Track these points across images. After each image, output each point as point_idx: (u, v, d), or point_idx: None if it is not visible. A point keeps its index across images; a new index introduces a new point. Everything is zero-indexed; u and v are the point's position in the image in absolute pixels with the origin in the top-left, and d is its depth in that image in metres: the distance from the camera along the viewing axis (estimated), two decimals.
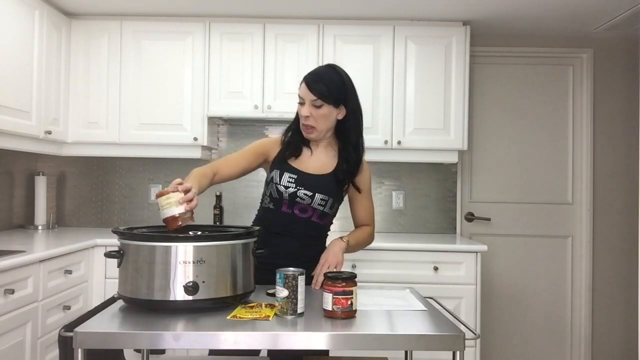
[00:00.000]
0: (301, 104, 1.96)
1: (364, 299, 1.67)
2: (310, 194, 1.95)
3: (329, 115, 1.95)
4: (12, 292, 2.15)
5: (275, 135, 2.15)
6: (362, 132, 2.10)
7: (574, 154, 3.67)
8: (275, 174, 1.98)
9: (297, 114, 2.02)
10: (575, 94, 3.68)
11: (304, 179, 1.97)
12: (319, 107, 1.92)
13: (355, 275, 1.51)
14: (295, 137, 2.03)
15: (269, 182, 2.02)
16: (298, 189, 1.94)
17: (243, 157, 2.05)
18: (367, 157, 3.24)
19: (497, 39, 3.64)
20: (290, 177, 1.96)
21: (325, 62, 3.23)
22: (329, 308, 1.47)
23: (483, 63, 3.66)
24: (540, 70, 3.68)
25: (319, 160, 2.03)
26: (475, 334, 1.49)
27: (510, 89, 3.67)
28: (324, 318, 1.48)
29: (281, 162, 2.00)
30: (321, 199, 1.96)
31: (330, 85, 1.93)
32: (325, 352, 1.94)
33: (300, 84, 1.97)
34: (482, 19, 3.28)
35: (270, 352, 1.88)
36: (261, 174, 3.58)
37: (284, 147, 2.03)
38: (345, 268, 2.91)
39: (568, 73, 3.68)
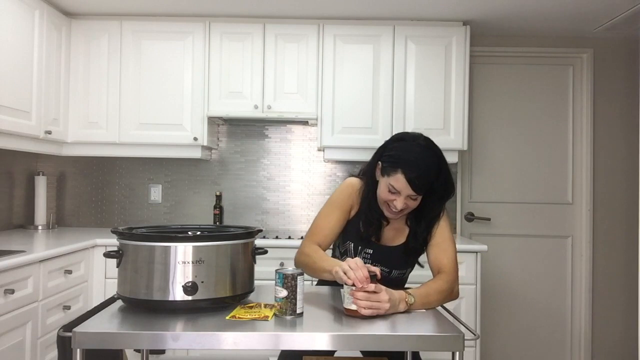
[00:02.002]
0: (393, 192, 1.75)
1: None
2: (387, 270, 1.86)
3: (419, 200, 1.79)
4: (12, 292, 2.15)
5: (346, 175, 1.86)
6: (444, 207, 1.89)
7: (574, 154, 3.67)
8: (350, 246, 1.88)
9: (377, 190, 1.84)
10: (575, 94, 3.67)
11: (380, 254, 1.86)
12: (414, 199, 1.76)
13: (375, 275, 1.51)
14: (374, 213, 1.85)
15: (343, 251, 1.91)
16: (374, 264, 1.77)
17: (337, 221, 1.88)
18: (367, 157, 3.26)
19: (497, 39, 3.64)
20: (366, 253, 1.87)
21: (325, 62, 3.24)
22: (354, 307, 1.47)
23: (483, 63, 3.66)
24: (540, 70, 3.67)
25: (393, 228, 1.89)
26: (475, 334, 1.49)
27: (510, 89, 3.67)
28: (324, 318, 1.47)
29: (358, 236, 1.85)
30: (398, 273, 1.89)
31: (430, 178, 1.74)
32: (331, 353, 1.94)
33: (397, 175, 1.73)
34: (482, 19, 3.28)
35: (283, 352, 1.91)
36: (262, 174, 3.60)
37: (365, 224, 1.86)
38: None
39: (568, 73, 3.68)
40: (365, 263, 1.57)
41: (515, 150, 3.67)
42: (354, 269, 1.50)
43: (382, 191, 1.79)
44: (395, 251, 1.87)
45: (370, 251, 1.87)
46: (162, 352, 2.03)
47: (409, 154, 1.76)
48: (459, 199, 3.61)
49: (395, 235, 1.89)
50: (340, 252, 1.94)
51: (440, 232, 1.85)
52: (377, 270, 1.54)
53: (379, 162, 1.82)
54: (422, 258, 1.91)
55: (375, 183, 1.84)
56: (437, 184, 1.77)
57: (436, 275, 1.78)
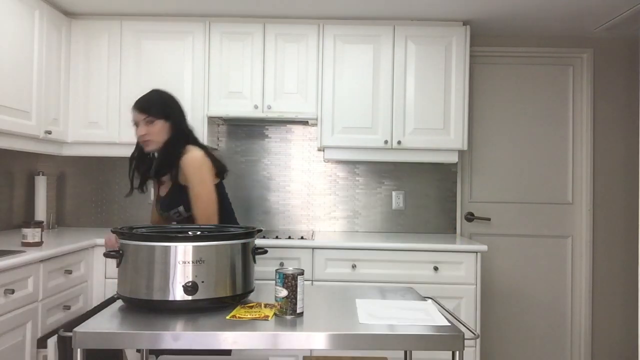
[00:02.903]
0: (136, 127, 2.30)
1: (380, 309, 1.59)
2: (167, 214, 2.34)
3: (162, 129, 2.29)
4: (12, 292, 2.14)
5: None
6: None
7: (574, 154, 3.67)
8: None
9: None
10: (575, 94, 3.67)
11: (161, 204, 2.38)
12: (150, 122, 2.27)
13: None
14: (143, 164, 2.42)
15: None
16: (162, 213, 2.37)
17: None
18: (367, 156, 3.27)
19: (497, 39, 3.64)
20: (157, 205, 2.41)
21: (326, 62, 3.24)
22: None
23: (483, 63, 3.66)
24: (540, 70, 3.67)
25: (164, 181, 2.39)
26: (474, 334, 1.49)
27: (510, 89, 3.67)
28: (324, 318, 1.47)
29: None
30: (174, 213, 2.30)
31: (150, 102, 2.31)
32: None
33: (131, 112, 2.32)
34: (482, 19, 3.28)
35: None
36: (262, 174, 3.60)
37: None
38: (345, 268, 2.93)
39: (568, 73, 3.68)
40: (160, 213, 2.37)
41: (515, 150, 3.67)
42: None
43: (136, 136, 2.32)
44: (163, 199, 2.34)
45: (159, 203, 2.37)
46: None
47: None
48: (459, 199, 3.61)
49: (165, 185, 2.36)
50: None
51: (184, 174, 2.23)
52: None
53: None
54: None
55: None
56: (168, 110, 2.29)
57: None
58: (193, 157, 2.23)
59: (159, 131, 2.27)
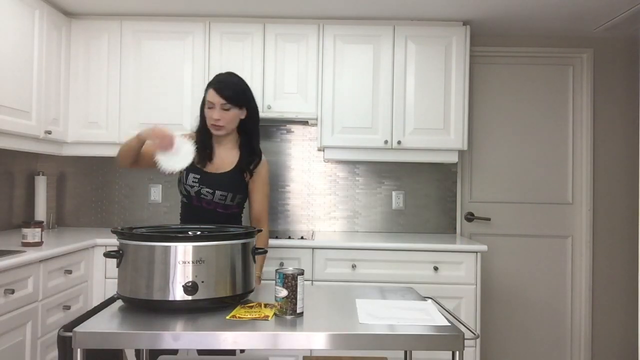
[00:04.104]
0: (210, 108, 2.25)
1: (380, 309, 1.59)
2: (211, 191, 2.27)
3: (235, 116, 2.28)
4: (12, 292, 2.15)
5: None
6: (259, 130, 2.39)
7: (574, 154, 3.67)
8: (184, 173, 2.30)
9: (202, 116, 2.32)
10: (575, 94, 3.67)
11: (206, 178, 2.28)
12: (227, 109, 2.23)
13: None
14: (203, 137, 2.31)
15: (179, 180, 2.35)
16: (201, 187, 2.28)
17: None
18: (367, 156, 3.27)
19: (497, 39, 3.64)
20: (195, 178, 2.29)
21: (325, 62, 3.24)
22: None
23: (483, 63, 3.66)
24: (540, 70, 3.67)
25: (220, 158, 2.33)
26: (474, 334, 1.49)
27: (510, 89, 3.67)
28: (324, 318, 1.47)
29: (191, 165, 2.19)
30: (221, 194, 2.27)
31: (235, 88, 2.27)
32: None
33: (209, 91, 2.26)
34: (482, 19, 3.28)
35: None
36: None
37: (198, 152, 2.23)
38: (345, 268, 2.93)
39: (568, 73, 3.68)
40: (192, 187, 2.27)
41: (515, 150, 3.67)
42: (154, 129, 2.01)
43: (205, 112, 2.28)
44: (219, 177, 2.28)
45: (198, 176, 2.28)
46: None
47: (215, 77, 2.33)
48: (459, 199, 3.61)
49: (221, 164, 2.31)
50: (178, 180, 2.37)
51: (262, 175, 2.35)
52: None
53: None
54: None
55: (204, 118, 2.30)
56: (245, 100, 2.28)
57: (256, 223, 2.36)
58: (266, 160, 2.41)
59: (232, 119, 2.26)
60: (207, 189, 2.27)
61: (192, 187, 2.28)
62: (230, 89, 2.24)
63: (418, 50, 3.25)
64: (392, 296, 1.81)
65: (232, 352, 2.07)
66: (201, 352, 2.12)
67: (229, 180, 2.29)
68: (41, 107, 2.94)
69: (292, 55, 3.25)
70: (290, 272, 1.49)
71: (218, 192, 2.27)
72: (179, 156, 2.01)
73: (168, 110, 3.25)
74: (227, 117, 2.24)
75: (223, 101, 2.22)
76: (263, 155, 2.38)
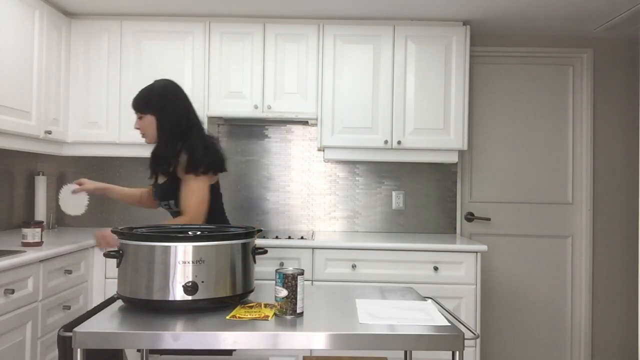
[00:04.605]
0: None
1: (380, 309, 1.59)
2: (159, 202, 2.40)
3: (149, 123, 2.32)
4: (12, 292, 2.15)
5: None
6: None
7: (574, 154, 3.67)
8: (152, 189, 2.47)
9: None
10: (575, 94, 3.67)
11: (155, 189, 2.39)
12: (140, 118, 2.32)
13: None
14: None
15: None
16: (159, 201, 2.40)
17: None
18: (367, 156, 3.27)
19: (497, 39, 3.64)
20: (155, 189, 2.40)
21: (325, 62, 3.25)
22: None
23: (483, 63, 3.66)
24: (540, 70, 3.68)
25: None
26: (474, 334, 1.49)
27: (510, 89, 3.67)
28: (324, 318, 1.47)
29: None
30: (164, 204, 2.36)
31: (141, 99, 2.34)
32: None
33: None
34: (482, 19, 3.28)
35: None
36: (262, 174, 3.60)
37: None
38: (345, 268, 2.93)
39: (568, 73, 3.68)
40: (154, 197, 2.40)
41: (515, 150, 3.67)
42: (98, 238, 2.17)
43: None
44: (159, 187, 2.34)
45: (154, 189, 2.39)
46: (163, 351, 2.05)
47: None
48: (459, 199, 3.61)
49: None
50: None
51: (187, 180, 2.24)
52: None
53: None
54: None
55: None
56: (148, 106, 2.30)
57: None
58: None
59: (147, 125, 2.31)
60: (159, 201, 2.40)
61: (154, 198, 2.44)
62: (136, 98, 2.34)
63: (418, 50, 3.25)
64: (392, 296, 1.81)
65: (228, 352, 2.08)
66: (199, 351, 2.11)
67: (162, 191, 2.33)
68: (41, 107, 2.94)
69: (292, 55, 3.25)
70: (290, 272, 1.49)
71: (162, 202, 2.37)
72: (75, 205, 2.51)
73: None
74: (143, 125, 2.33)
75: (134, 110, 2.34)
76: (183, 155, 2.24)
